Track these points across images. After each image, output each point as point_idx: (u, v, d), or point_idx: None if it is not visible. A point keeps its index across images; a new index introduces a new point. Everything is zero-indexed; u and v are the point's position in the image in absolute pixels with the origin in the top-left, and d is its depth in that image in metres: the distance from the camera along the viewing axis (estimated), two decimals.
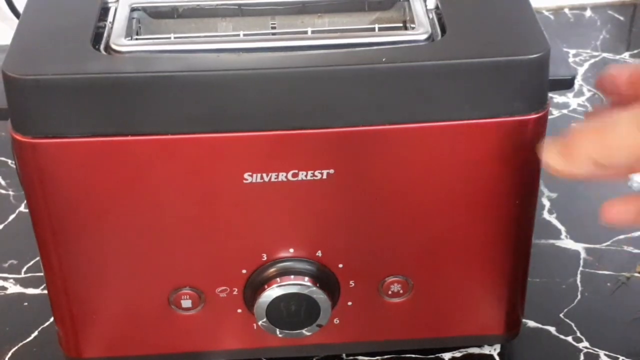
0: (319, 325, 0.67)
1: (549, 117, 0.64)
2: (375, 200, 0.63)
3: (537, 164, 0.64)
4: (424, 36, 0.62)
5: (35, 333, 0.76)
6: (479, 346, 0.73)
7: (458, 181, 0.63)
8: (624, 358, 0.72)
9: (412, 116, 0.60)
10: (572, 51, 1.10)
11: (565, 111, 1.00)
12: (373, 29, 0.66)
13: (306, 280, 0.65)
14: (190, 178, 0.61)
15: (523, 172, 0.63)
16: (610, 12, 1.18)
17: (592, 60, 1.08)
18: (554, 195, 0.88)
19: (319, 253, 0.66)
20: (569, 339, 0.74)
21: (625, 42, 1.13)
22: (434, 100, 0.60)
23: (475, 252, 0.67)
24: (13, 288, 0.80)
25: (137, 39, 0.65)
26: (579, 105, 1.01)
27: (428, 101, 0.60)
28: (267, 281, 0.65)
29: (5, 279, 0.81)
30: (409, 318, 0.70)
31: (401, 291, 0.68)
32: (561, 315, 0.76)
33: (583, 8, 1.19)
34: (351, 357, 0.73)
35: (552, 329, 0.75)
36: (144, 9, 0.67)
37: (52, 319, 0.72)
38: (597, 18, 1.17)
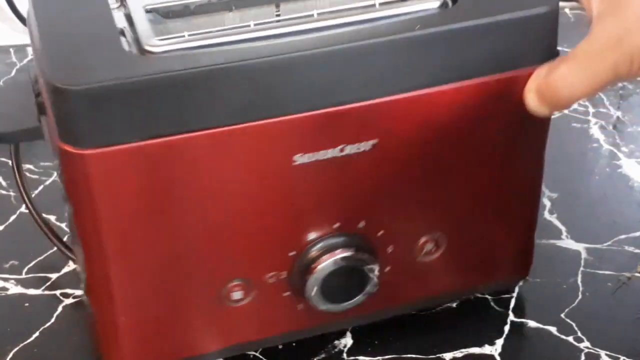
0: (368, 294, 0.68)
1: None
2: (416, 163, 0.66)
3: None
4: (437, 3, 0.64)
5: (37, 334, 0.76)
6: (480, 346, 0.73)
7: (492, 133, 0.66)
8: (625, 358, 0.72)
9: (444, 78, 0.63)
10: None
11: (565, 111, 1.00)
12: (390, 2, 0.67)
13: (352, 252, 0.66)
14: (243, 167, 0.62)
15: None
16: None
17: None
18: (554, 195, 0.88)
19: (362, 224, 0.67)
20: (570, 339, 0.74)
21: None
22: (464, 60, 0.62)
23: (499, 201, 0.70)
24: (14, 289, 0.80)
25: (165, 38, 0.64)
26: (579, 105, 1.01)
27: (459, 62, 0.62)
28: (316, 260, 0.66)
29: (6, 279, 0.81)
30: (439, 274, 0.73)
31: (433, 249, 0.70)
32: (562, 315, 0.76)
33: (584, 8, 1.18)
34: (352, 358, 0.73)
35: (553, 329, 0.75)
36: (156, 10, 0.67)
37: (53, 320, 0.72)
38: None
